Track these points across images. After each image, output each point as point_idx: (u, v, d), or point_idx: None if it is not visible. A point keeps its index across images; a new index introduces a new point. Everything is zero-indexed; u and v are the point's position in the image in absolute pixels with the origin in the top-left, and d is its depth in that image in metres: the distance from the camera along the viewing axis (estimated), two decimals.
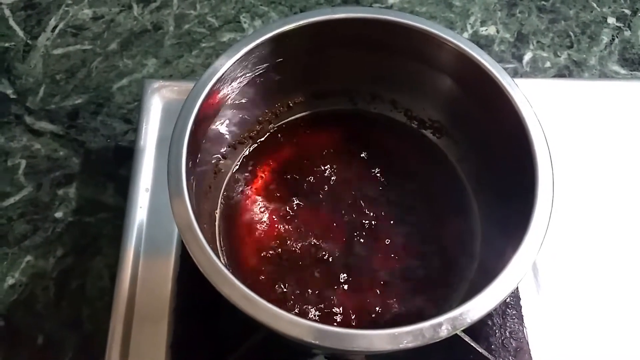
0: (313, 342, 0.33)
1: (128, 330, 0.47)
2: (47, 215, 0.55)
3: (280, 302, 0.44)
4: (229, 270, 0.41)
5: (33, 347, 0.50)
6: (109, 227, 0.55)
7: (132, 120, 0.60)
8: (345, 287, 0.46)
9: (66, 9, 0.68)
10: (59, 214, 0.55)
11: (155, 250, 0.50)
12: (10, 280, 0.52)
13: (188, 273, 0.49)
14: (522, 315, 0.48)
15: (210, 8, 0.69)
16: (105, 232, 0.54)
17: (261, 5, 0.69)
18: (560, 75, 0.66)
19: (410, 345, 0.33)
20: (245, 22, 0.68)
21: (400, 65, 0.49)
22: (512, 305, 0.49)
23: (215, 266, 0.35)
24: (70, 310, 0.51)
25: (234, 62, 0.42)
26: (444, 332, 0.34)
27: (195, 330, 0.47)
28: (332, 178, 0.50)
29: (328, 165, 0.51)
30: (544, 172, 0.40)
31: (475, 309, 0.35)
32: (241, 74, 0.45)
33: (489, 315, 0.48)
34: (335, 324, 0.44)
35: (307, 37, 0.46)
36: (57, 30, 0.66)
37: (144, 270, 0.49)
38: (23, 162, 0.58)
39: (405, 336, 0.33)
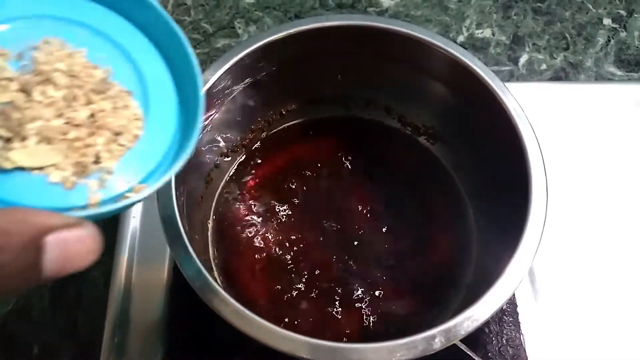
0: (306, 357, 0.33)
1: (122, 340, 0.47)
2: None
3: (274, 312, 0.44)
4: (220, 282, 0.41)
5: (29, 356, 0.49)
6: (105, 235, 0.54)
7: None
8: (341, 296, 0.45)
9: None
10: None
11: (149, 260, 0.50)
12: None
13: (182, 281, 0.48)
14: (519, 322, 0.48)
15: (204, 14, 0.68)
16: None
17: (256, 10, 0.69)
18: (556, 77, 0.65)
19: (403, 358, 0.33)
20: (239, 28, 0.68)
21: (394, 72, 0.48)
22: (508, 312, 0.48)
23: (205, 281, 0.34)
24: (66, 318, 0.51)
25: (225, 71, 0.42)
26: (437, 345, 0.33)
27: (189, 339, 0.46)
28: (326, 185, 0.50)
29: (322, 173, 0.50)
30: (537, 177, 0.40)
31: (468, 320, 0.35)
32: (232, 82, 0.44)
33: (486, 323, 0.47)
34: (330, 335, 0.43)
35: (299, 44, 0.45)
36: None
37: (137, 279, 0.49)
38: None
39: (399, 349, 0.33)
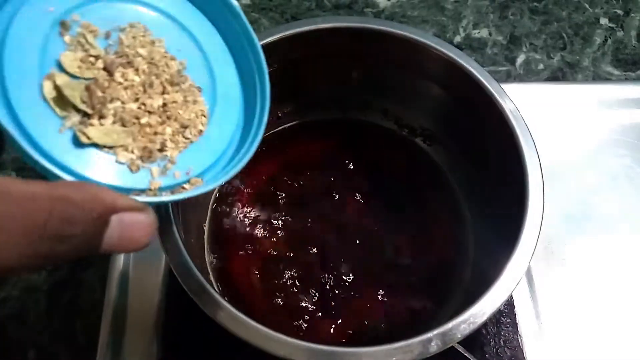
0: None
1: (119, 344, 0.47)
2: None
3: (270, 316, 0.44)
4: (216, 286, 0.41)
5: None
6: None
7: None
8: (339, 299, 0.45)
9: None
10: None
11: (145, 263, 0.49)
12: (0, 294, 0.52)
13: (177, 285, 0.47)
14: (517, 324, 0.48)
15: None
16: None
17: (252, 12, 0.69)
18: (553, 77, 0.65)
19: None
20: None
21: (390, 74, 0.48)
22: (506, 313, 0.48)
23: (201, 285, 0.34)
24: (62, 323, 0.51)
25: None
26: (433, 348, 0.33)
27: (186, 342, 0.46)
28: (323, 187, 0.50)
29: (318, 175, 0.50)
30: (534, 178, 0.40)
31: (465, 323, 0.35)
32: None
33: (483, 324, 0.47)
34: (325, 338, 0.43)
35: (296, 46, 0.45)
36: None
37: (133, 283, 0.49)
38: (13, 175, 0.58)
39: (395, 352, 0.33)
